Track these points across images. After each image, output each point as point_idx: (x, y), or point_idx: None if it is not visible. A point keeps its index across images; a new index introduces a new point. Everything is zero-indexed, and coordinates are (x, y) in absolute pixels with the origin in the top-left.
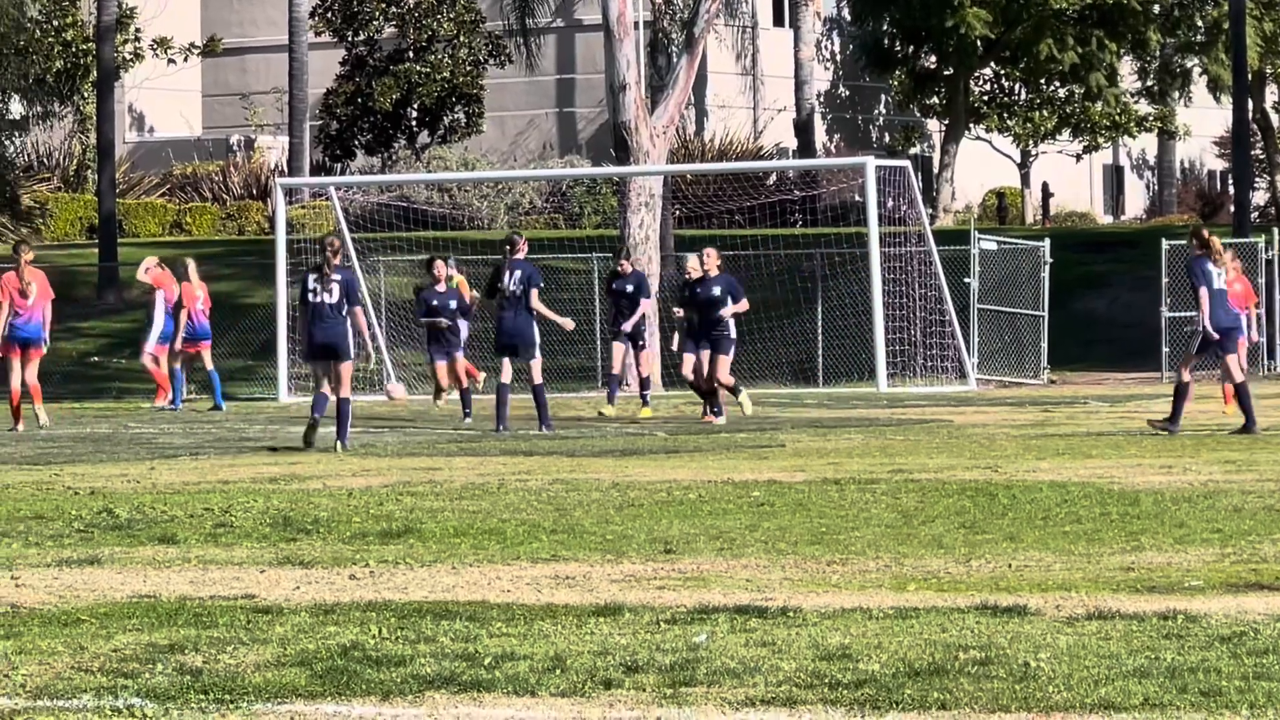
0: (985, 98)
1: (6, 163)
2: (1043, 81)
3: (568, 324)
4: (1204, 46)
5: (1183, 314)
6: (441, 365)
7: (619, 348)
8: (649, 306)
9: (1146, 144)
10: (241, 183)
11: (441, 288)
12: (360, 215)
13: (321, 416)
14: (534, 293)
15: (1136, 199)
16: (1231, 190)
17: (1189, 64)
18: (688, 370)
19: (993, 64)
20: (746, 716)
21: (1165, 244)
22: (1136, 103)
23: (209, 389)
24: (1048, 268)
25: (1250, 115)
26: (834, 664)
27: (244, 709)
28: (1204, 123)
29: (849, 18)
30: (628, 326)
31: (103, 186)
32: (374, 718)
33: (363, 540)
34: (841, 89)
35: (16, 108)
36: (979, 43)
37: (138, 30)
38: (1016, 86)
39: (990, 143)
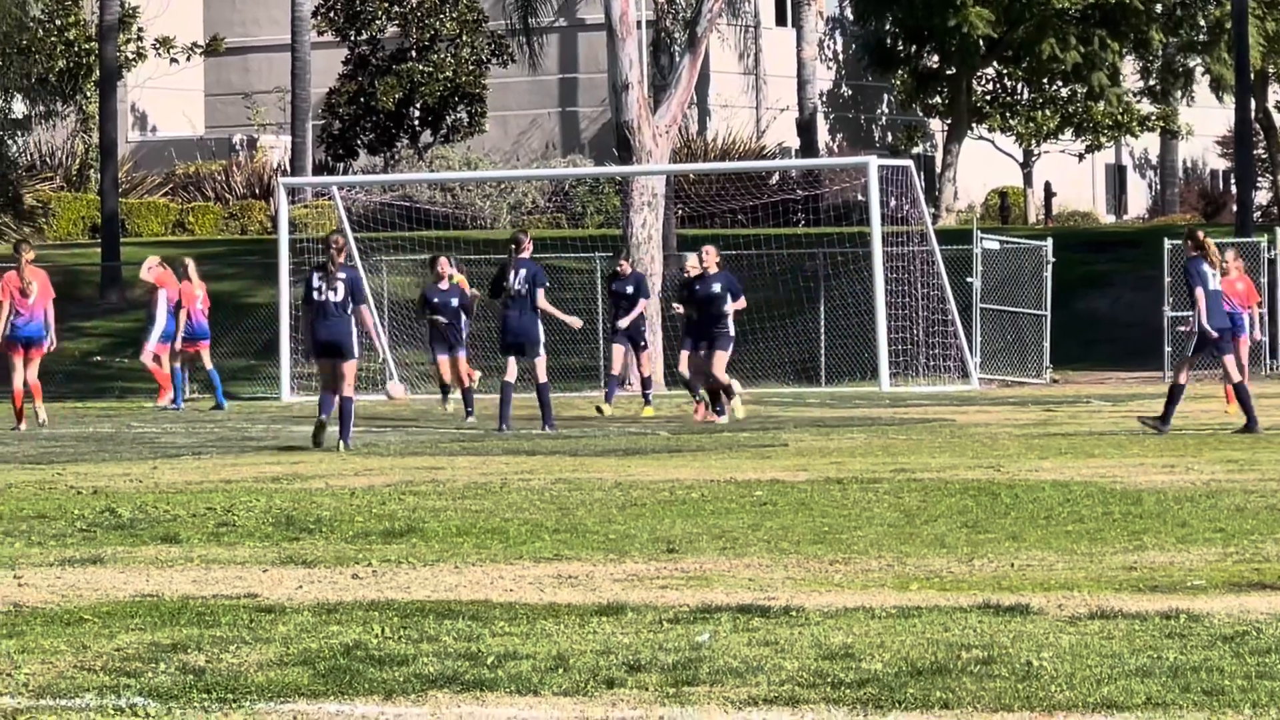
0: (988, 97)
1: (9, 162)
2: (1045, 81)
3: (575, 322)
4: (1206, 46)
5: (1185, 314)
6: (443, 360)
7: (618, 349)
8: (647, 306)
9: (1149, 143)
10: (244, 182)
11: (444, 285)
12: (363, 215)
13: (329, 417)
14: (540, 292)
15: (1139, 198)
16: (1234, 190)
17: (1191, 63)
18: (684, 367)
19: (995, 63)
20: (749, 716)
21: (1167, 244)
22: (1139, 102)
23: (210, 389)
24: (1050, 267)
25: (1253, 114)
26: (837, 663)
27: (247, 708)
28: (1206, 122)
29: (851, 17)
30: (623, 323)
31: (105, 186)
32: (377, 717)
33: (365, 539)
34: (844, 88)
35: (19, 107)
36: (981, 42)
37: (140, 29)
38: (1019, 86)
39: (993, 142)
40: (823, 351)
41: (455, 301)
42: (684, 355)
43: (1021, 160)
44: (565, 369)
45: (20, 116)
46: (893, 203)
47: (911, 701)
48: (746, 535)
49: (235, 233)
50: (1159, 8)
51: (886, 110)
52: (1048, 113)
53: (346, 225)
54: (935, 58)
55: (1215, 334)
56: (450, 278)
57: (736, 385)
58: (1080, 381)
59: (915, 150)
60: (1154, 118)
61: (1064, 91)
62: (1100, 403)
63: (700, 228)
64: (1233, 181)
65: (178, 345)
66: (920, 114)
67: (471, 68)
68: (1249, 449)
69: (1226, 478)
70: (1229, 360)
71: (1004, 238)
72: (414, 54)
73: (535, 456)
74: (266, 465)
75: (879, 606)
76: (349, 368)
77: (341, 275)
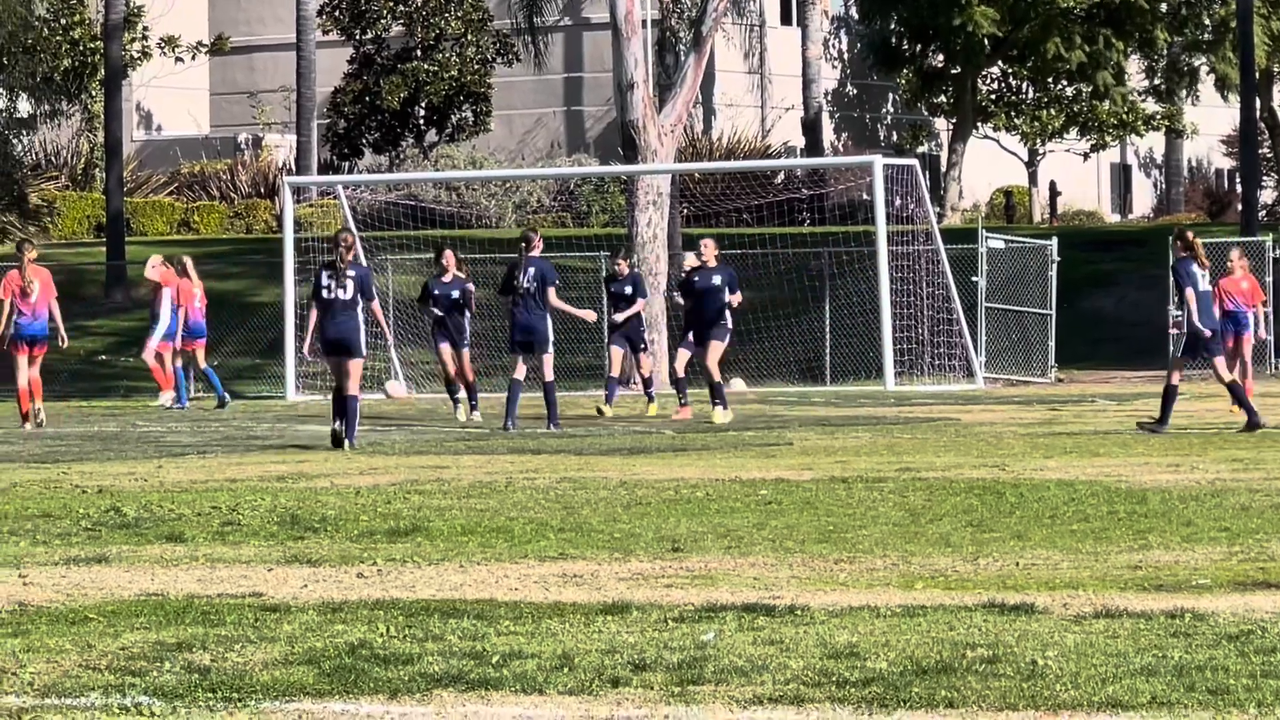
0: (993, 96)
1: (14, 161)
2: (1050, 80)
3: (590, 316)
4: (1211, 45)
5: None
6: (445, 348)
7: (617, 350)
8: (645, 306)
9: (1154, 142)
10: (249, 181)
11: (448, 278)
12: (368, 214)
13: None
14: (551, 291)
15: (1144, 197)
16: (1239, 189)
17: (1196, 62)
18: (681, 365)
19: (1000, 63)
20: (754, 714)
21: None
22: (1144, 101)
23: (210, 387)
24: (1055, 266)
25: (1258, 113)
26: (842, 662)
27: (252, 707)
28: (1211, 121)
29: (857, 16)
30: (619, 318)
31: (110, 185)
32: (382, 716)
33: (370, 538)
34: (849, 87)
35: (24, 106)
36: (986, 41)
37: (145, 29)
38: (1024, 85)
39: (998, 141)
40: (828, 350)
41: (455, 294)
42: (682, 354)
43: (1026, 159)
44: (570, 368)
45: (25, 115)
46: (898, 202)
47: (916, 700)
48: (751, 534)
49: (240, 232)
50: (1164, 7)
51: (891, 109)
52: (1053, 112)
53: (352, 224)
54: (940, 57)
55: (1208, 334)
56: (456, 270)
57: (724, 389)
58: (1085, 381)
59: (920, 149)
60: (1159, 117)
61: (1069, 90)
62: (1105, 402)
63: (705, 227)
64: (1238, 180)
65: (177, 344)
66: (925, 113)
67: (477, 67)
68: (1254, 448)
69: (1231, 477)
70: (1219, 361)
71: (1009, 237)
72: (419, 53)
73: (540, 455)
74: (271, 464)
75: (884, 605)
76: (354, 366)
77: (351, 273)
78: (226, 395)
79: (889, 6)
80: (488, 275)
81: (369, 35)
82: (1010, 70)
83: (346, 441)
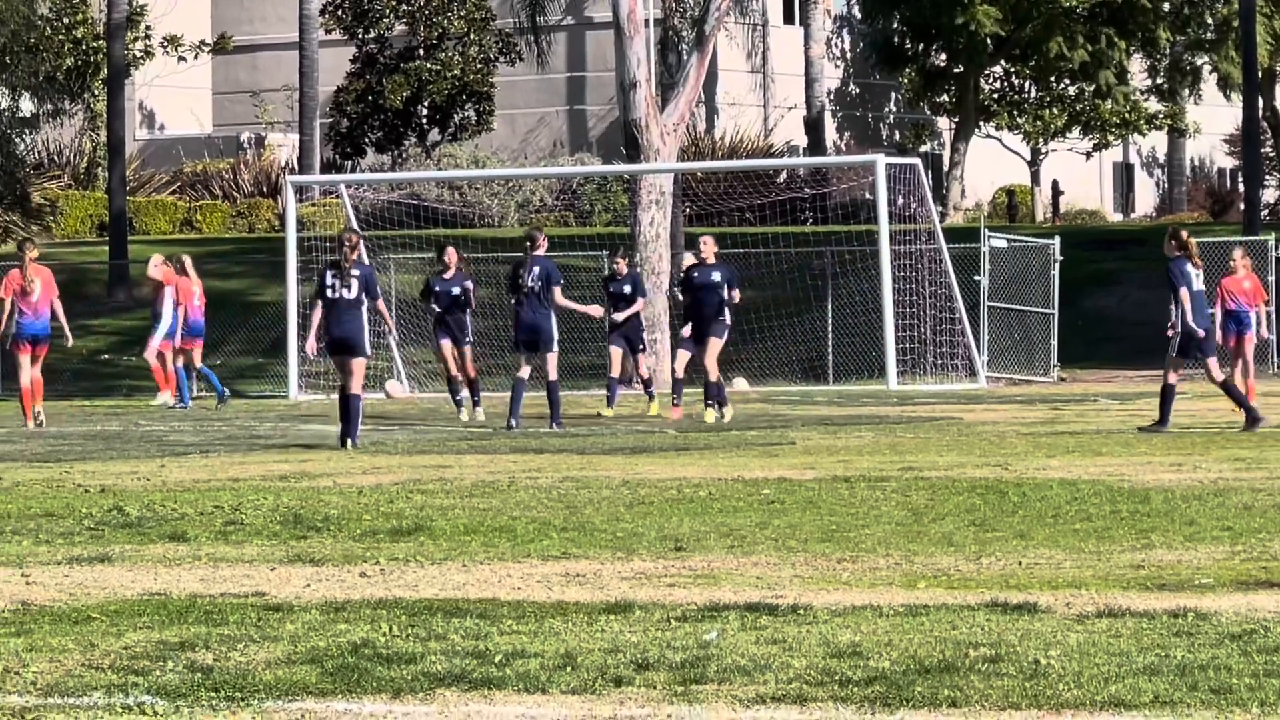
0: (995, 95)
1: (17, 160)
2: (1053, 79)
3: (597, 311)
4: (1214, 44)
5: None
6: (446, 344)
7: (616, 351)
8: (644, 306)
9: (1156, 142)
10: (252, 180)
11: (449, 275)
12: (371, 213)
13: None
14: (556, 290)
15: (1146, 197)
16: (1241, 188)
17: (1199, 61)
18: (680, 366)
19: (1003, 62)
20: (757, 714)
21: None
22: (1146, 100)
23: (209, 387)
24: (1058, 265)
25: (1260, 113)
26: (844, 661)
27: (254, 706)
28: (1214, 120)
29: (859, 15)
30: (619, 317)
31: (113, 184)
32: (384, 715)
33: (373, 538)
34: (852, 87)
35: (27, 105)
36: (989, 40)
37: (148, 28)
38: (1026, 84)
39: (1000, 140)
40: (830, 350)
41: (455, 290)
42: (681, 354)
43: (1029, 158)
44: (573, 367)
45: (28, 114)
46: (900, 201)
47: (919, 700)
48: (754, 533)
49: (243, 231)
50: (1166, 6)
51: (894, 109)
52: (1055, 111)
53: (354, 224)
54: (943, 56)
55: (1201, 333)
56: (458, 267)
57: (725, 389)
58: (1088, 380)
59: (923, 148)
60: (1161, 116)
61: (1071, 90)
62: (1108, 401)
63: (708, 226)
64: (1240, 180)
65: (177, 342)
66: (928, 112)
67: (479, 66)
68: (1256, 447)
69: (1234, 476)
70: (1212, 362)
71: (1011, 236)
72: (422, 52)
73: (543, 455)
74: (274, 463)
75: (887, 605)
76: (358, 365)
77: (356, 272)
78: (225, 390)
79: (891, 6)
80: (490, 275)
81: (371, 34)
82: (1013, 69)
83: (349, 441)
